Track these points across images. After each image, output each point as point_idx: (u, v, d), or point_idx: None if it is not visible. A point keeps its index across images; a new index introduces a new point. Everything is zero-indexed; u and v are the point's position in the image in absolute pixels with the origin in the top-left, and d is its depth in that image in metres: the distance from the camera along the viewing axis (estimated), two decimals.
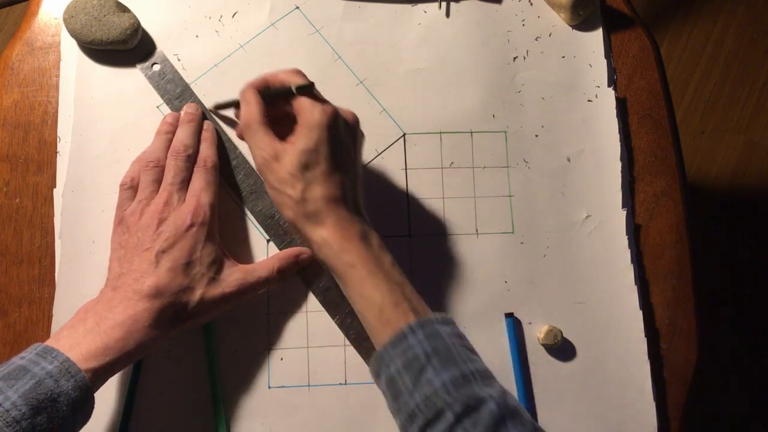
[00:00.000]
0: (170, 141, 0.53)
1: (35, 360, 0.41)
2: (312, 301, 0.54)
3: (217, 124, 0.56)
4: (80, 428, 0.43)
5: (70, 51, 0.57)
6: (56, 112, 0.56)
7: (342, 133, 0.48)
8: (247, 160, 0.56)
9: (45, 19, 0.59)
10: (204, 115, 0.56)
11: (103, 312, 0.45)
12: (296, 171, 0.46)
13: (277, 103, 0.50)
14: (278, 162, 0.47)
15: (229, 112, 0.56)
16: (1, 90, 0.57)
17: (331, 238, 0.47)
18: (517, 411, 0.42)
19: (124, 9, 0.57)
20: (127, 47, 0.57)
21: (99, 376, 0.43)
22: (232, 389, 0.52)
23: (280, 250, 0.54)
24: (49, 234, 0.54)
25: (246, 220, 0.55)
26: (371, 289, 0.46)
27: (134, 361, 0.47)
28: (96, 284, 0.52)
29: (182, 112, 0.55)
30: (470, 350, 0.44)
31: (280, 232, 0.55)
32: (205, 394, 0.52)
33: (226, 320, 0.53)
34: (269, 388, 0.53)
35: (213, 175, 0.52)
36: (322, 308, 0.54)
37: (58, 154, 0.56)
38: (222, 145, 0.56)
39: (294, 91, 0.48)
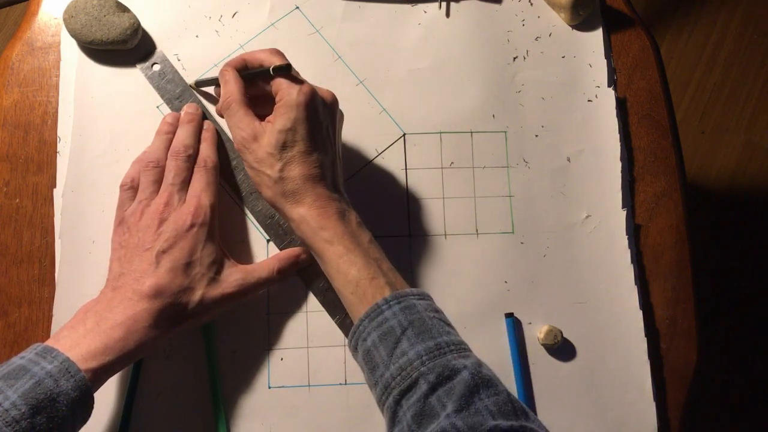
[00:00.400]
0: (170, 141, 0.53)
1: (35, 360, 0.41)
2: (312, 301, 0.54)
3: (218, 125, 0.56)
4: (80, 428, 0.43)
5: (70, 51, 0.57)
6: (56, 112, 0.56)
7: (320, 113, 0.49)
8: None
9: (45, 19, 0.59)
10: (204, 115, 0.56)
11: (103, 312, 0.45)
12: (274, 150, 0.47)
13: (257, 83, 0.50)
14: (257, 142, 0.48)
15: (210, 90, 0.57)
16: (1, 90, 0.57)
17: (309, 216, 0.47)
18: (492, 380, 0.42)
19: (124, 9, 0.57)
20: (127, 47, 0.57)
21: (99, 376, 0.43)
22: (232, 389, 0.52)
23: (280, 250, 0.54)
24: (49, 234, 0.54)
25: (246, 220, 0.55)
26: (348, 264, 0.46)
27: (134, 361, 0.47)
28: (96, 284, 0.52)
29: (182, 112, 0.55)
30: (446, 323, 0.45)
31: (280, 232, 0.55)
32: (205, 394, 0.52)
33: (226, 320, 0.53)
34: (269, 388, 0.53)
35: (213, 176, 0.52)
36: (322, 308, 0.54)
37: (58, 154, 0.56)
38: (222, 145, 0.56)
39: (271, 72, 0.48)
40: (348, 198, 0.51)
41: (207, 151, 0.53)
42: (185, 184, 0.51)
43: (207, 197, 0.50)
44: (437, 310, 0.46)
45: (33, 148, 0.56)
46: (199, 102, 0.57)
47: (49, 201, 0.55)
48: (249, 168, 0.50)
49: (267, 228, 0.55)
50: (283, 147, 0.47)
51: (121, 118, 0.56)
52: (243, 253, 0.54)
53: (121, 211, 0.51)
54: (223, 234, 0.53)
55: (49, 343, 0.43)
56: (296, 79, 0.49)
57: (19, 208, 0.55)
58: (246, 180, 0.55)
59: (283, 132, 0.47)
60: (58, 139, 0.56)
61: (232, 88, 0.49)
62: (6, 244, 0.54)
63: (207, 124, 0.55)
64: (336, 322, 0.54)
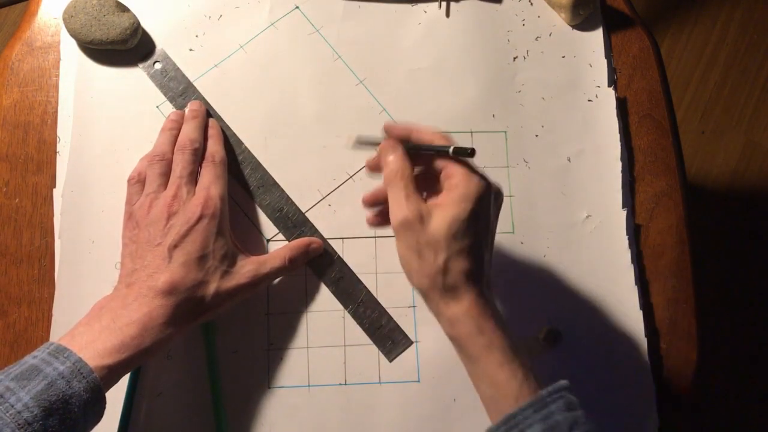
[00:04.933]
0: (175, 137, 0.53)
1: (47, 360, 0.41)
2: (312, 301, 0.54)
3: (221, 120, 0.56)
4: (91, 429, 0.43)
5: (70, 51, 0.57)
6: (56, 112, 0.56)
7: (491, 209, 0.46)
8: (253, 155, 0.56)
9: (45, 19, 0.59)
10: (208, 112, 0.56)
11: (117, 309, 0.45)
12: (443, 239, 0.43)
13: (420, 158, 0.47)
14: (422, 224, 0.44)
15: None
16: (1, 90, 0.57)
17: (468, 317, 0.43)
18: None
19: (124, 9, 0.57)
20: (127, 47, 0.57)
21: (114, 372, 0.43)
22: (232, 389, 0.52)
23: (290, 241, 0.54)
24: (49, 234, 0.54)
25: (255, 213, 0.55)
26: (507, 376, 0.43)
27: (150, 358, 0.46)
28: (96, 284, 0.52)
29: (186, 109, 0.55)
30: (592, 421, 0.43)
31: (289, 225, 0.55)
32: (205, 394, 0.52)
33: (226, 320, 0.53)
34: (269, 388, 0.53)
35: (222, 170, 0.52)
36: (322, 308, 0.54)
37: (58, 154, 0.56)
38: (227, 142, 0.56)
39: (451, 153, 0.45)
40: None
41: (214, 146, 0.53)
42: (193, 177, 0.51)
43: (216, 189, 0.50)
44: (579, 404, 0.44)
45: (33, 148, 0.56)
46: (203, 99, 0.57)
47: (49, 201, 0.55)
48: (406, 249, 0.45)
49: (276, 221, 0.55)
50: (454, 237, 0.43)
51: (121, 118, 0.56)
52: (253, 246, 0.54)
53: (130, 205, 0.51)
54: (233, 227, 0.53)
55: (65, 340, 0.43)
56: (472, 168, 0.46)
57: (19, 208, 0.55)
58: (253, 174, 0.56)
59: (457, 221, 0.43)
60: (57, 139, 0.56)
61: (401, 163, 0.45)
62: (6, 244, 0.54)
63: (212, 121, 0.55)
64: (349, 312, 0.54)
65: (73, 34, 0.56)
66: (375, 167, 0.49)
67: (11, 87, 0.57)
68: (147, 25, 0.58)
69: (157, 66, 0.58)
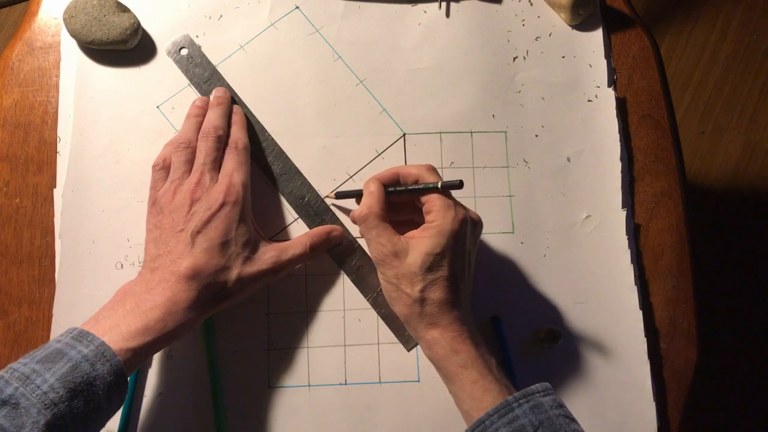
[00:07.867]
0: (200, 124, 0.53)
1: (71, 344, 0.42)
2: (312, 301, 0.54)
3: (246, 108, 0.56)
4: (114, 412, 0.43)
5: (70, 51, 0.57)
6: (56, 112, 0.56)
7: (468, 239, 0.48)
8: (276, 142, 0.56)
9: (45, 19, 0.59)
10: (233, 99, 0.56)
11: (141, 294, 0.46)
12: (418, 271, 0.46)
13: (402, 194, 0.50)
14: (398, 259, 0.47)
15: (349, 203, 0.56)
16: (1, 90, 0.57)
17: (444, 339, 0.47)
18: None
19: (124, 9, 0.57)
20: (127, 47, 0.57)
21: (138, 355, 0.43)
22: (232, 389, 0.52)
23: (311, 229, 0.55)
24: (49, 234, 0.54)
25: (278, 200, 0.55)
26: (482, 391, 0.45)
27: (173, 342, 0.46)
28: (96, 284, 0.52)
29: (211, 96, 0.55)
30: (570, 419, 0.44)
31: (310, 213, 0.55)
32: (205, 394, 0.52)
33: (226, 320, 0.53)
34: (269, 388, 0.53)
35: (245, 156, 0.52)
36: (322, 308, 0.54)
37: (58, 154, 0.56)
38: (251, 128, 0.56)
39: (440, 187, 0.48)
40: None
41: (237, 133, 0.53)
42: (216, 164, 0.51)
43: (239, 176, 0.50)
44: (561, 405, 0.45)
45: (33, 148, 0.56)
46: (228, 86, 0.57)
47: (49, 201, 0.55)
48: (385, 281, 0.49)
49: (298, 209, 0.55)
50: (428, 270, 0.46)
51: (121, 118, 0.56)
52: (275, 232, 0.55)
53: (154, 191, 0.51)
54: (255, 214, 0.53)
55: (89, 324, 0.44)
56: (450, 201, 0.48)
57: (19, 208, 0.55)
58: (276, 161, 0.56)
59: (431, 255, 0.46)
60: (58, 139, 0.56)
61: (372, 201, 0.49)
62: (6, 244, 0.54)
63: (236, 108, 0.56)
64: (369, 301, 0.54)
65: (74, 35, 0.56)
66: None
67: (11, 87, 0.57)
68: (147, 25, 0.58)
69: (183, 52, 0.58)
